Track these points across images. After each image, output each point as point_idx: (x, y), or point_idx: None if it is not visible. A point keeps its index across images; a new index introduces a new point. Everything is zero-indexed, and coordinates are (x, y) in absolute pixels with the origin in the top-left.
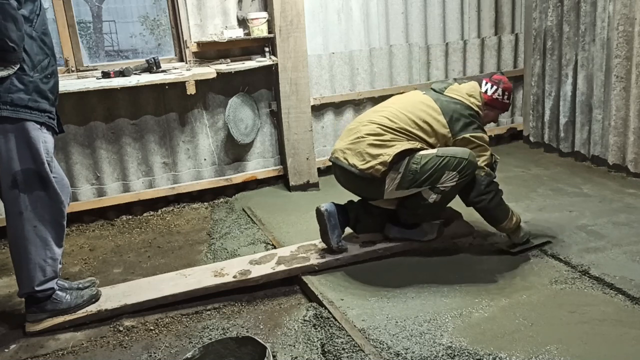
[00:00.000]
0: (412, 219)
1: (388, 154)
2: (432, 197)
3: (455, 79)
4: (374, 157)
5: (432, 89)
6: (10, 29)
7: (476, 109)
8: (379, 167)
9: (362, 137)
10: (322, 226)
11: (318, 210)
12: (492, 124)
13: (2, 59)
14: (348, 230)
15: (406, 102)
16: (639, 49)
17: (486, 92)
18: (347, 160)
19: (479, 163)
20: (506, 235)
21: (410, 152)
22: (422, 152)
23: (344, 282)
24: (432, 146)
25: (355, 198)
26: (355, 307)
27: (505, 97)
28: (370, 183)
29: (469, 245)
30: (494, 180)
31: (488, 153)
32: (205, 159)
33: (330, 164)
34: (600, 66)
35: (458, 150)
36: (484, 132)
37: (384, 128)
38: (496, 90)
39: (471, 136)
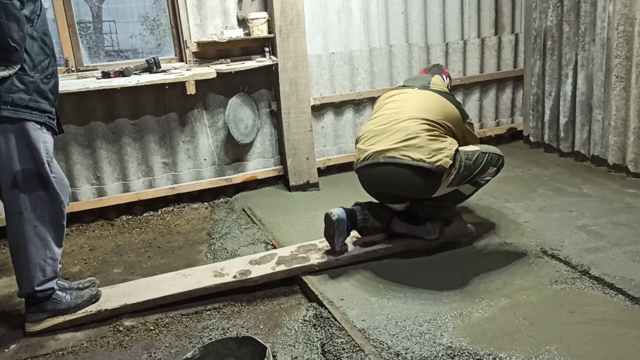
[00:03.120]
0: (433, 213)
1: (449, 148)
2: (470, 191)
3: (422, 76)
4: (438, 151)
5: (413, 85)
6: (12, 28)
7: None
8: (446, 159)
9: (417, 133)
10: (330, 231)
11: (328, 217)
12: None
13: (3, 59)
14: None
15: (420, 98)
16: (639, 49)
17: (447, 86)
18: (409, 156)
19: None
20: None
21: (457, 148)
22: (467, 149)
23: (344, 282)
24: (455, 137)
25: (360, 200)
26: (355, 307)
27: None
28: (432, 177)
29: (469, 245)
30: None
31: None
32: (205, 159)
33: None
34: (600, 66)
35: (494, 147)
36: None
37: (430, 123)
38: (450, 83)
39: (470, 121)
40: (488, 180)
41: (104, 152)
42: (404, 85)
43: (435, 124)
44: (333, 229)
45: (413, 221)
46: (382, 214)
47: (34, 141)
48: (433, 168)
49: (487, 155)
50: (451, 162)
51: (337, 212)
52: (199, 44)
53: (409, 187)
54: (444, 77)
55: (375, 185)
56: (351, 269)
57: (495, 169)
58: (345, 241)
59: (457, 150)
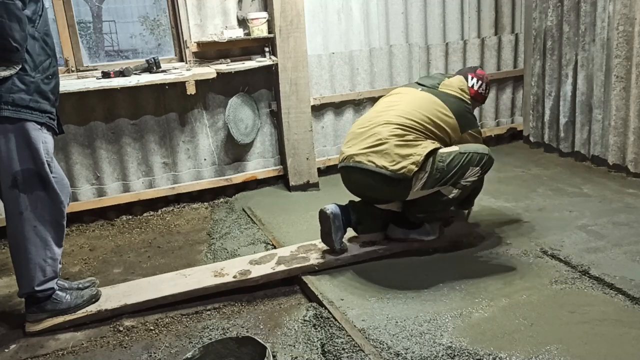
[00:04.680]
0: (423, 218)
1: (418, 153)
2: (453, 193)
3: (442, 74)
4: (404, 157)
5: (422, 84)
6: (14, 29)
7: (469, 102)
8: (411, 166)
9: (386, 139)
10: (326, 228)
11: (323, 213)
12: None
13: (4, 59)
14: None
15: (412, 100)
16: (639, 49)
17: (472, 86)
18: (374, 162)
19: None
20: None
21: (434, 150)
22: (444, 150)
23: (343, 282)
24: (445, 142)
25: (356, 199)
26: (355, 307)
27: (487, 91)
28: (398, 184)
29: (469, 245)
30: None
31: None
32: (205, 159)
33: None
34: (600, 66)
35: (478, 146)
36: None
37: (405, 128)
38: (481, 85)
39: (474, 131)
40: (474, 182)
41: (104, 152)
42: (417, 83)
43: (411, 129)
44: (329, 225)
45: (409, 225)
46: (376, 211)
47: (34, 141)
48: (395, 176)
49: (465, 155)
50: (416, 168)
51: (331, 207)
52: (199, 44)
53: (378, 191)
54: (471, 77)
55: (352, 187)
56: (351, 269)
57: (477, 168)
58: (344, 241)
59: (431, 154)
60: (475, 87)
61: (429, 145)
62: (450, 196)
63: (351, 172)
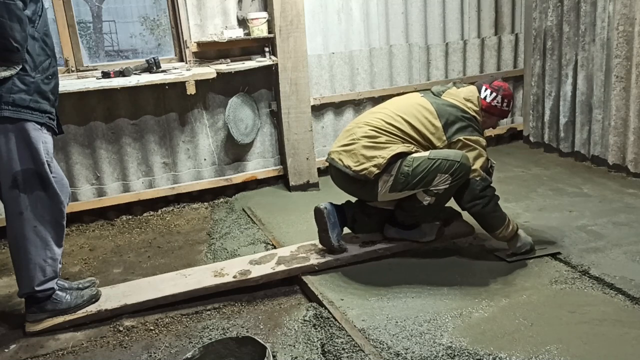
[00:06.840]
0: (410, 220)
1: (382, 156)
2: (427, 200)
3: (454, 83)
4: (368, 159)
5: (431, 91)
6: (15, 29)
7: (473, 113)
8: (372, 169)
9: (358, 139)
10: (322, 225)
11: (317, 209)
12: None
13: (5, 59)
14: (346, 230)
15: (402, 104)
16: (639, 49)
17: (485, 98)
18: (342, 161)
19: (473, 167)
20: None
21: (404, 154)
22: (414, 155)
23: (344, 282)
24: (426, 149)
25: (353, 199)
26: (355, 307)
27: (505, 104)
28: (364, 185)
29: (469, 245)
30: (490, 185)
31: (484, 157)
32: (205, 159)
33: (326, 164)
34: (600, 66)
35: (450, 152)
36: (481, 135)
37: (379, 130)
38: (495, 97)
39: (465, 139)
40: (446, 190)
41: (104, 152)
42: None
43: (386, 132)
44: (325, 221)
45: (404, 225)
46: (371, 210)
47: (34, 141)
48: (357, 176)
49: (434, 161)
50: (377, 171)
51: (325, 204)
52: (199, 44)
53: (350, 189)
54: (485, 88)
55: (334, 182)
56: (351, 269)
57: (446, 176)
58: (343, 241)
59: (399, 157)
60: (488, 99)
61: (397, 149)
62: (425, 203)
63: (330, 168)
